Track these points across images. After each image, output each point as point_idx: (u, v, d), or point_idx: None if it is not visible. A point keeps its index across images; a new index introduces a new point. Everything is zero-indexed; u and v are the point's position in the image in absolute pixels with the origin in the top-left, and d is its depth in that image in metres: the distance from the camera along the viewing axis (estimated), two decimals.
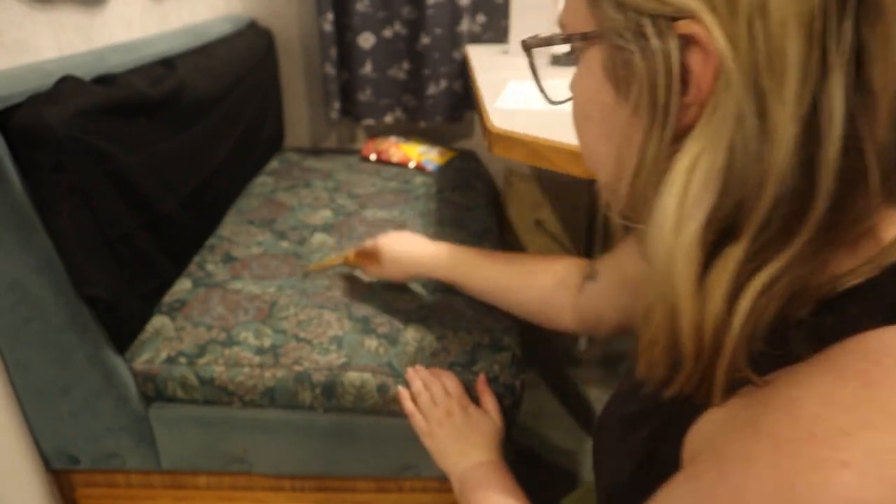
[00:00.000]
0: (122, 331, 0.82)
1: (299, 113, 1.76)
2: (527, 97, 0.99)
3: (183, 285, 0.96)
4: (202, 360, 0.81)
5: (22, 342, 0.76)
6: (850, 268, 0.31)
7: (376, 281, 0.96)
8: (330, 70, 1.59)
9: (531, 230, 1.81)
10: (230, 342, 0.83)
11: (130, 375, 0.81)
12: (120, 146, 0.80)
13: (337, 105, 1.64)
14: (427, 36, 1.55)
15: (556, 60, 1.27)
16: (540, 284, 0.76)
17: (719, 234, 0.30)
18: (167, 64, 1.00)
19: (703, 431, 0.33)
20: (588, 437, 1.34)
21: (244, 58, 1.36)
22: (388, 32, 1.59)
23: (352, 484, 0.90)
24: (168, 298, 0.93)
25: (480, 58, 1.41)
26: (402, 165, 1.56)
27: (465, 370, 0.80)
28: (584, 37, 0.35)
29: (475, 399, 0.77)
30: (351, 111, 1.68)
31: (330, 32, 1.54)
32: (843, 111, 0.27)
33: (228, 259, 1.05)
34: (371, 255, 0.89)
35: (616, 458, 0.43)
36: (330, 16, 1.52)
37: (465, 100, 1.67)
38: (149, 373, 0.81)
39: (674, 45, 0.30)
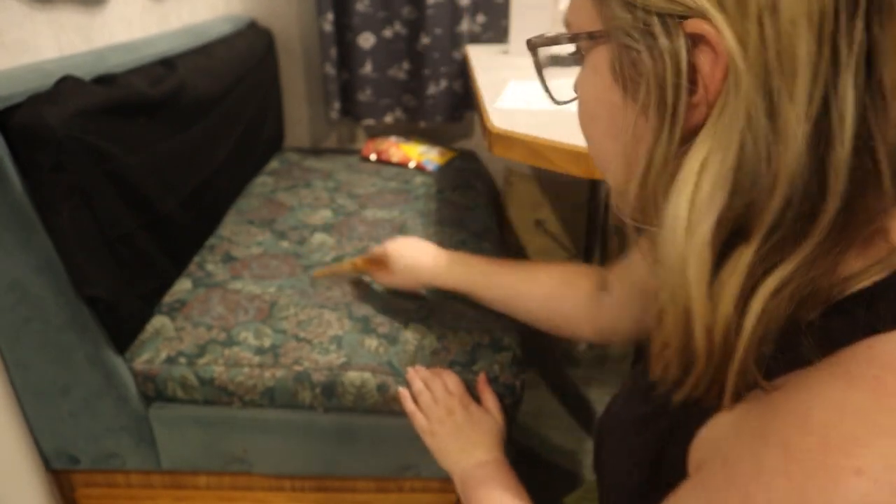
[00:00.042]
0: (122, 331, 0.82)
1: (299, 113, 1.76)
2: (527, 97, 0.98)
3: (183, 285, 0.96)
4: (202, 360, 0.81)
5: (22, 342, 0.76)
6: (860, 269, 0.30)
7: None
8: (330, 70, 1.58)
9: (531, 230, 1.81)
10: (230, 342, 0.83)
11: (130, 375, 0.81)
12: (120, 146, 0.80)
13: (337, 105, 1.64)
14: (427, 36, 1.55)
15: (557, 60, 1.27)
16: (560, 295, 0.74)
17: (730, 235, 0.30)
18: (167, 64, 1.00)
19: (711, 437, 0.32)
20: (588, 437, 1.34)
21: (244, 58, 1.36)
22: (388, 32, 1.59)
23: (352, 484, 0.89)
24: (168, 298, 0.93)
25: (480, 58, 1.41)
26: (402, 165, 1.56)
27: (465, 370, 0.80)
28: (591, 36, 0.35)
29: (476, 398, 0.77)
30: (351, 111, 1.68)
31: (330, 32, 1.54)
32: (854, 111, 0.27)
33: (228, 259, 1.05)
34: (380, 262, 0.88)
35: (620, 459, 0.43)
36: (330, 16, 1.52)
37: (465, 100, 1.67)
38: (149, 373, 0.81)
39: (682, 45, 0.29)
